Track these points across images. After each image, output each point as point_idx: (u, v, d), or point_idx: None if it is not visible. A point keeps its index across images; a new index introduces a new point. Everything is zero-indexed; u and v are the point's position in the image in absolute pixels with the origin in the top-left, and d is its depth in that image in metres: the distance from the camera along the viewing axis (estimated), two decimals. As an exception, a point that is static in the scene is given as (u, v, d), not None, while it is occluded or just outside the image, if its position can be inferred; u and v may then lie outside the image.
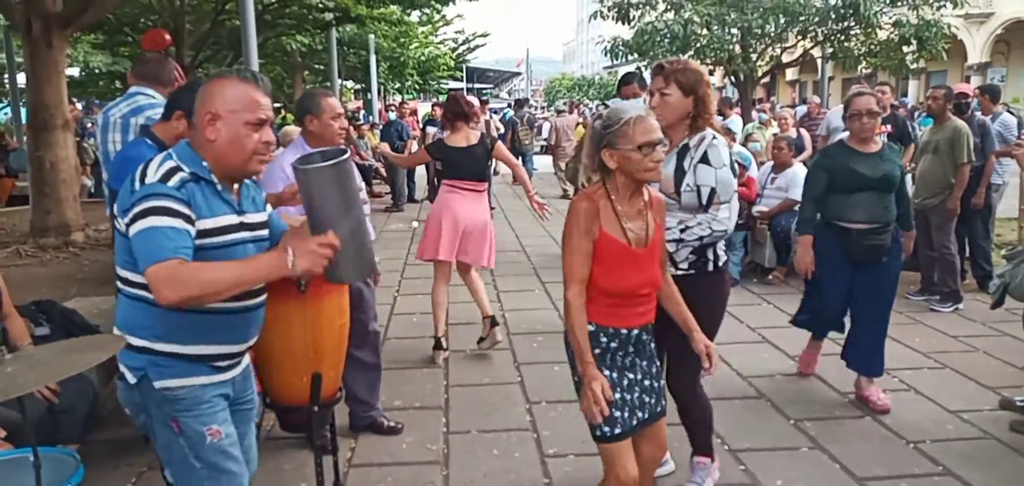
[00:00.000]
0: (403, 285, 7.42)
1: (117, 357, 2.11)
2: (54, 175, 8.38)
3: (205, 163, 2.09)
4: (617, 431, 2.54)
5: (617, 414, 2.53)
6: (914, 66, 15.82)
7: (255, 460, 2.53)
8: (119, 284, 2.10)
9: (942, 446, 3.85)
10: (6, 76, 14.97)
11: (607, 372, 2.55)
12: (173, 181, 2.01)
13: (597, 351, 2.54)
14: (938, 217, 6.37)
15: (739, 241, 7.36)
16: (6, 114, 21.13)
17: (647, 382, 2.65)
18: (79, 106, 20.12)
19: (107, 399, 3.84)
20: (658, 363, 2.75)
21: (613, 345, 2.57)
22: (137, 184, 2.01)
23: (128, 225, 1.98)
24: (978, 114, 7.18)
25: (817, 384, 4.74)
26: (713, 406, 3.42)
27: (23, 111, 12.42)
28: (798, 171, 7.37)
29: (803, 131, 9.28)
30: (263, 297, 2.30)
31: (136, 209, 1.97)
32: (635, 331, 2.58)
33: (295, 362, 3.06)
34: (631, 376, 2.61)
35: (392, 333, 5.86)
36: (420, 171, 13.37)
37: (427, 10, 24.81)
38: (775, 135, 8.41)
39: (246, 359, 2.39)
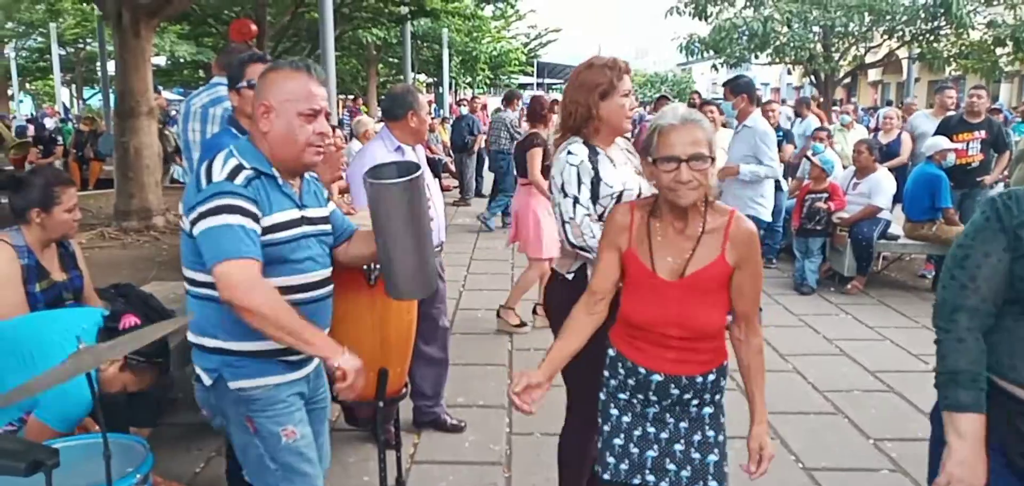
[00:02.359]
0: (468, 280, 7.41)
1: (192, 359, 2.12)
2: (138, 160, 8.71)
3: (265, 157, 2.08)
4: (604, 476, 2.23)
5: (609, 458, 2.22)
6: (1008, 69, 15.06)
7: (328, 457, 2.52)
8: (187, 285, 2.11)
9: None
10: (98, 64, 15.60)
11: (616, 411, 2.23)
12: (240, 178, 2.00)
13: (614, 382, 2.25)
14: (1033, 231, 5.98)
15: (817, 248, 7.11)
16: (98, 100, 22.09)
17: (677, 448, 2.18)
18: (164, 94, 20.87)
19: (180, 384, 3.93)
20: (714, 434, 2.21)
21: (630, 382, 2.20)
22: (203, 182, 2.01)
23: (194, 223, 1.98)
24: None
25: (897, 401, 4.52)
26: (787, 421, 3.26)
27: (112, 97, 12.94)
28: (882, 177, 7.08)
29: (904, 135, 8.84)
30: (330, 287, 2.28)
31: (203, 207, 1.96)
32: (656, 377, 2.14)
33: (362, 356, 3.03)
34: (649, 430, 2.20)
35: (456, 328, 5.85)
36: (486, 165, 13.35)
37: (500, 5, 24.92)
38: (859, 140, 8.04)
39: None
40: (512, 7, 25.67)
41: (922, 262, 7.75)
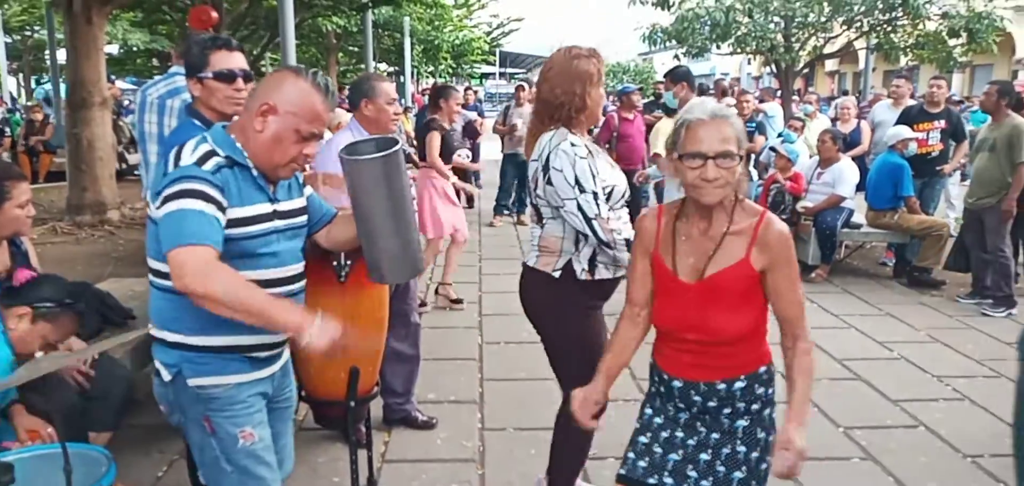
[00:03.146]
0: (436, 273, 7.31)
1: (152, 352, 2.03)
2: (91, 153, 8.43)
3: (240, 148, 1.99)
4: (621, 471, 2.18)
5: (630, 454, 2.17)
6: (962, 60, 15.36)
7: (291, 458, 2.44)
8: (151, 276, 2.02)
9: (1003, 462, 3.65)
10: (47, 52, 15.10)
11: (650, 411, 2.20)
12: (209, 165, 1.91)
13: (652, 388, 2.22)
14: (993, 218, 6.12)
15: (782, 237, 7.15)
16: (46, 91, 21.42)
17: (703, 457, 2.09)
18: (118, 84, 20.32)
19: (142, 384, 3.79)
20: (746, 451, 2.08)
21: (661, 389, 2.17)
22: (171, 166, 1.92)
23: (159, 208, 1.89)
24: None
25: (866, 390, 4.56)
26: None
27: (62, 88, 12.54)
28: (845, 167, 7.16)
29: (863, 124, 9.00)
30: (302, 283, 2.20)
31: (168, 190, 1.87)
32: (677, 382, 2.08)
33: (332, 355, 2.96)
34: (678, 435, 2.12)
35: (424, 323, 5.75)
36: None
37: (462, -7, 24.78)
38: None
39: (286, 352, 2.28)
40: (474, -5, 25.59)
41: (883, 250, 7.87)
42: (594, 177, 2.60)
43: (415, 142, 12.64)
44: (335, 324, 1.92)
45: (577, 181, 2.58)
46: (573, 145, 2.60)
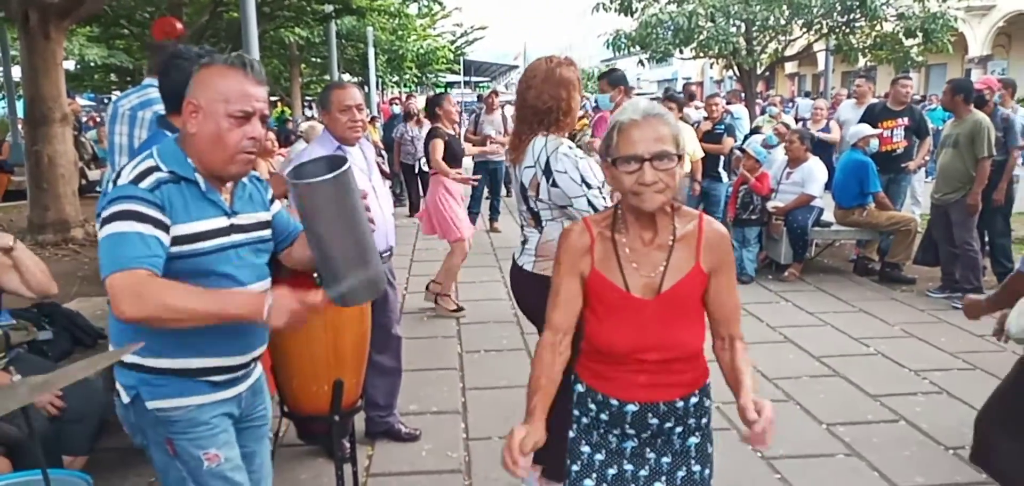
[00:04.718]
0: (411, 283, 7.25)
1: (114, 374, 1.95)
2: (52, 170, 8.22)
3: (189, 161, 1.89)
4: None
5: None
6: (918, 60, 15.70)
7: (268, 478, 2.34)
8: (108, 296, 1.93)
9: None
10: (0, 69, 14.69)
11: (587, 449, 1.97)
12: (147, 182, 1.82)
13: (585, 420, 1.99)
14: (958, 213, 6.24)
15: (754, 237, 7.23)
16: (1, 108, 20.89)
17: None
18: (79, 100, 19.87)
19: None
20: (701, 469, 1.98)
21: (602, 417, 1.94)
22: (110, 186, 1.84)
23: (99, 229, 1.81)
24: (1001, 108, 7.03)
25: (846, 386, 4.60)
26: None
27: (19, 105, 12.21)
28: (813, 166, 7.25)
29: (832, 124, 9.17)
30: None
31: (106, 212, 1.79)
32: (631, 407, 1.89)
33: (315, 369, 2.90)
34: (626, 468, 1.94)
35: (405, 333, 5.67)
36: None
37: (426, 2, 24.64)
38: (787, 127, 8.26)
39: (256, 371, 2.18)
40: (439, 4, 25.41)
41: (852, 247, 7.98)
42: (595, 174, 2.67)
43: (384, 152, 12.63)
44: (289, 297, 1.82)
45: (583, 179, 2.69)
46: (570, 148, 2.68)
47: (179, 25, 4.79)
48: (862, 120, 7.70)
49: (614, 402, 1.91)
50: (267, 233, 2.11)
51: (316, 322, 2.85)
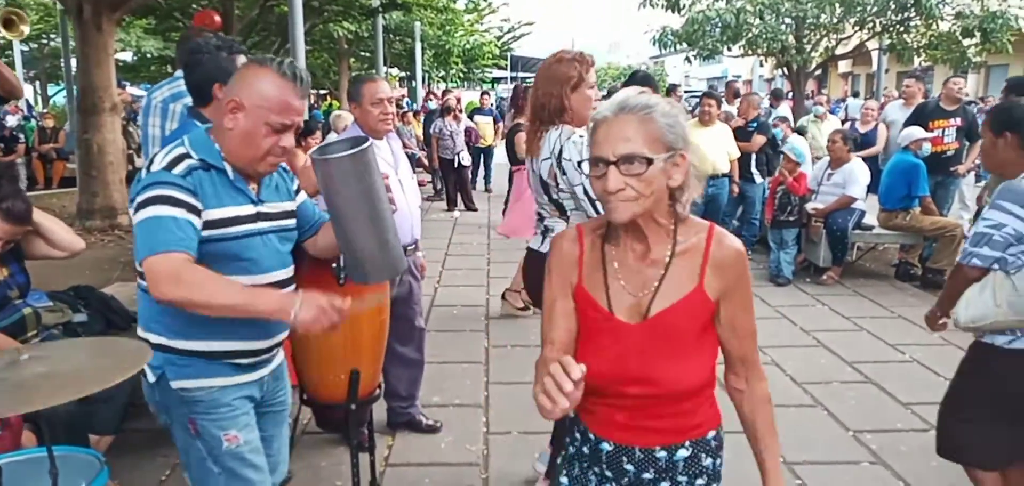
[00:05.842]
0: (444, 276, 7.31)
1: None
2: (101, 158, 8.48)
3: (218, 149, 1.96)
4: None
5: None
6: (976, 60, 15.21)
7: (285, 462, 2.41)
8: (138, 279, 1.99)
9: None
10: (63, 61, 15.22)
11: (566, 481, 1.77)
12: (179, 168, 1.89)
13: (571, 449, 1.77)
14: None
15: (792, 239, 7.10)
16: (63, 97, 21.60)
17: None
18: (129, 89, 20.45)
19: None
20: None
21: (584, 450, 1.71)
22: (144, 172, 1.91)
23: (134, 214, 1.88)
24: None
25: (877, 392, 4.50)
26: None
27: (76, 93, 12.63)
28: (856, 167, 7.08)
29: (880, 126, 8.93)
30: (291, 288, 2.15)
31: (140, 197, 1.86)
32: (606, 445, 1.65)
33: (333, 358, 2.94)
34: None
35: (432, 326, 5.75)
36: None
37: (473, -1, 24.78)
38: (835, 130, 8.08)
39: (278, 357, 2.26)
40: (485, 0, 25.52)
41: (895, 251, 7.78)
42: None
43: (424, 145, 12.71)
44: (319, 296, 1.86)
45: (580, 165, 2.69)
46: (582, 136, 2.70)
47: (218, 18, 4.89)
48: (913, 119, 7.48)
49: (592, 436, 1.68)
50: (292, 222, 2.17)
51: (334, 312, 2.91)
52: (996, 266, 2.59)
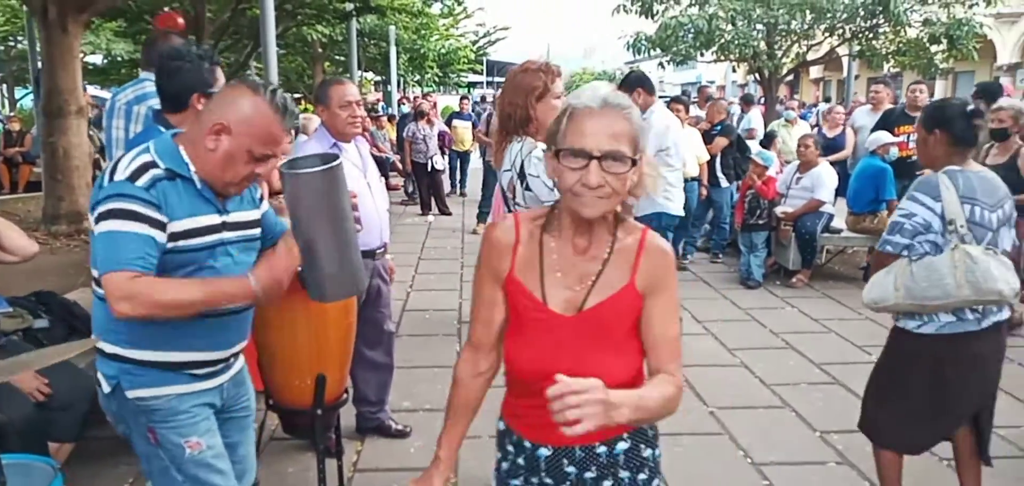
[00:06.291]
0: (417, 280, 7.28)
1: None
2: (67, 161, 8.34)
3: (186, 160, 1.92)
4: None
5: None
6: (943, 66, 15.47)
7: (253, 470, 2.38)
8: (93, 285, 1.96)
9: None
10: (28, 63, 14.96)
11: None
12: (143, 179, 1.84)
13: (505, 465, 1.73)
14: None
15: (761, 242, 7.16)
16: (31, 101, 21.25)
17: None
18: (90, 92, 20.15)
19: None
20: None
21: (519, 462, 1.69)
22: (106, 180, 1.87)
23: (94, 224, 1.85)
24: None
25: (843, 393, 4.55)
26: (735, 415, 3.26)
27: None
28: (824, 171, 7.17)
29: (848, 130, 9.04)
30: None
31: (101, 208, 1.83)
32: (544, 451, 1.64)
33: (298, 363, 2.92)
34: None
35: (403, 330, 5.72)
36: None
37: (448, 2, 24.72)
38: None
39: (238, 363, 2.23)
40: (460, 5, 25.52)
41: (864, 255, 7.87)
42: None
43: (399, 150, 12.66)
44: (268, 267, 1.96)
45: (555, 185, 2.61)
46: (545, 151, 2.66)
47: (181, 21, 4.83)
48: (880, 125, 7.59)
49: (527, 444, 1.65)
50: (257, 231, 2.15)
51: (299, 316, 2.88)
52: (905, 252, 2.73)
